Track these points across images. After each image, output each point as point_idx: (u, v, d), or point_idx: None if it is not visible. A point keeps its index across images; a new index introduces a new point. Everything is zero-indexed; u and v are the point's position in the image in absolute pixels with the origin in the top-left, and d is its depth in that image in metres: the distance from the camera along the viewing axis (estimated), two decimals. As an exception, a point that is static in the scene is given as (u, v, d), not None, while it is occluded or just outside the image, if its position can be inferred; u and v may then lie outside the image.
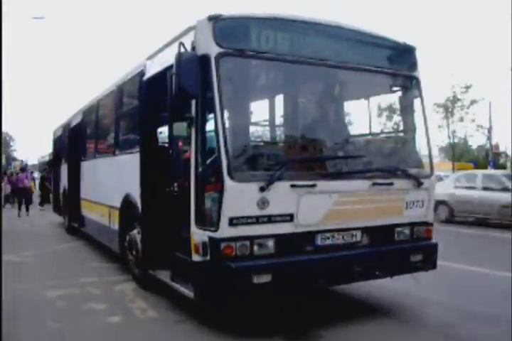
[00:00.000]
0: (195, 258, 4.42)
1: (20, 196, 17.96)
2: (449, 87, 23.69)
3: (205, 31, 4.38)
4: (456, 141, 28.63)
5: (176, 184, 5.18)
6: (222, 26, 4.40)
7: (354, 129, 6.03)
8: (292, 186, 4.39)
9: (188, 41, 4.57)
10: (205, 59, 4.33)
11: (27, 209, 17.48)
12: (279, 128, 6.44)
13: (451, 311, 5.39)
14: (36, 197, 21.23)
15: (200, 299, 4.52)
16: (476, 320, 5.08)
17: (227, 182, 4.12)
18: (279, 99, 6.17)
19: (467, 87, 23.54)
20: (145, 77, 5.92)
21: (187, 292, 4.61)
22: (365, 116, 5.76)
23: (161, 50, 5.64)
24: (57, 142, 14.70)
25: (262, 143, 6.03)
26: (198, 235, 4.37)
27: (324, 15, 5.18)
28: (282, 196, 4.35)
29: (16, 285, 6.40)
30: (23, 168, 22.25)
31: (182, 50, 4.44)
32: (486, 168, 41.15)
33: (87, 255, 9.00)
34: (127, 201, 6.53)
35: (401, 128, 6.34)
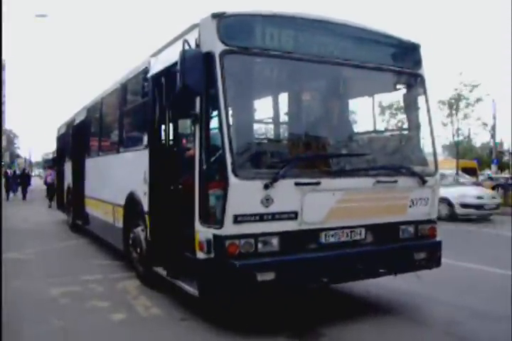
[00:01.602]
0: (200, 255, 4.42)
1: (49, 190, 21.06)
2: (455, 85, 23.34)
3: (210, 28, 4.37)
4: (460, 138, 28.34)
5: (180, 181, 5.18)
6: (227, 23, 4.39)
7: (358, 127, 6.03)
8: (296, 184, 4.39)
9: (192, 38, 4.57)
10: (209, 56, 4.32)
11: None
12: (283, 126, 6.42)
13: (454, 309, 5.38)
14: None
15: (205, 297, 4.52)
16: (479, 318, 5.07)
17: (232, 179, 4.12)
18: (284, 97, 6.16)
19: (474, 86, 23.18)
20: (149, 75, 5.91)
21: (191, 290, 4.60)
22: (370, 113, 5.75)
23: (165, 47, 5.62)
24: (61, 139, 14.70)
25: (266, 141, 6.01)
26: (202, 233, 4.37)
27: (329, 13, 5.17)
28: (286, 194, 4.35)
29: (19, 282, 6.42)
30: (51, 166, 22.62)
31: (186, 47, 4.43)
32: (489, 166, 41.03)
33: (91, 252, 9.00)
34: (131, 198, 6.54)
35: (405, 126, 6.32)
